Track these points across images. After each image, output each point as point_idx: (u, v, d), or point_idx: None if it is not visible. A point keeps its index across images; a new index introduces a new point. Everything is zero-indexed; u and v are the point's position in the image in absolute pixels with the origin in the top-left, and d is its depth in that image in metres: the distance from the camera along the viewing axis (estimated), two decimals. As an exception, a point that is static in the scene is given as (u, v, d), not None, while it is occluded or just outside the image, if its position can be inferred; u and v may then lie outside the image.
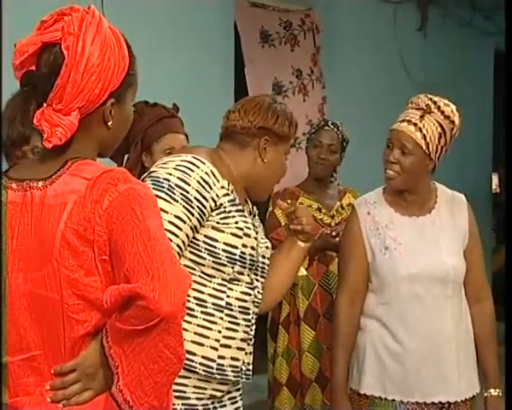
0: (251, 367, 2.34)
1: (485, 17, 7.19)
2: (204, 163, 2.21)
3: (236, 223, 2.23)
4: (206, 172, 2.20)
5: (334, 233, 3.73)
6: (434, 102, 2.72)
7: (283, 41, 5.65)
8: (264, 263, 2.36)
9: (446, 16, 6.93)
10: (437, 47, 6.85)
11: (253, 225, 2.31)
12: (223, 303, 2.24)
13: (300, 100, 5.68)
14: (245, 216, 2.28)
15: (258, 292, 2.33)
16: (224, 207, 2.22)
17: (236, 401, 2.36)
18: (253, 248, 2.28)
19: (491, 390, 2.83)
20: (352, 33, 6.14)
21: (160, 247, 1.57)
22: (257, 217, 2.46)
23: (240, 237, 2.23)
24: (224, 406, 2.31)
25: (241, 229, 2.24)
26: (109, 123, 1.70)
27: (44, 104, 1.63)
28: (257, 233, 2.32)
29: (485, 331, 2.86)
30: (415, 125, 2.70)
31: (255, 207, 2.48)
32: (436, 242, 2.78)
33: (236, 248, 2.23)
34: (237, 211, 2.25)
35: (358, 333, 2.85)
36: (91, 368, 1.62)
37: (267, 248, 2.39)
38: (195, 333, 2.20)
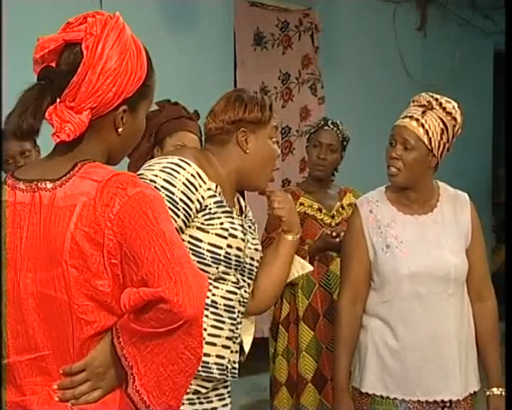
0: (237, 366, 2.34)
1: (484, 17, 7.19)
2: (190, 165, 2.21)
3: (221, 224, 2.24)
4: (191, 174, 2.20)
5: (334, 233, 3.73)
6: (436, 100, 2.74)
7: (276, 43, 5.67)
8: (252, 265, 2.36)
9: (446, 16, 6.94)
10: (436, 46, 6.86)
11: (242, 226, 2.32)
12: (208, 301, 2.23)
13: (278, 107, 5.70)
14: (232, 217, 2.28)
15: (245, 291, 2.33)
16: (210, 209, 2.22)
17: (224, 399, 2.36)
18: (239, 249, 2.28)
19: (494, 389, 2.83)
20: (351, 33, 6.14)
21: (177, 251, 1.59)
22: (250, 218, 2.44)
23: (225, 238, 2.23)
24: (211, 402, 2.30)
25: (227, 230, 2.24)
26: (119, 129, 1.71)
27: (58, 100, 1.65)
28: (245, 235, 2.32)
29: (488, 330, 2.86)
30: (417, 120, 2.72)
31: (248, 209, 2.47)
32: (438, 240, 2.79)
33: (221, 248, 2.23)
34: (224, 212, 2.25)
35: (360, 332, 2.85)
36: (101, 368, 1.63)
37: (256, 250, 2.39)
38: None
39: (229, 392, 2.38)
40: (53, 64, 1.68)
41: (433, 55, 6.82)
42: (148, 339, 1.58)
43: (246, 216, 2.42)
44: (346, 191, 4.01)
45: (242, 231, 2.30)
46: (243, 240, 2.29)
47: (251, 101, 2.35)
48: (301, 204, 3.94)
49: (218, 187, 2.26)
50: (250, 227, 2.40)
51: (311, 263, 3.85)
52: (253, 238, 2.39)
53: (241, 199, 2.48)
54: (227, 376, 2.30)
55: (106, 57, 1.64)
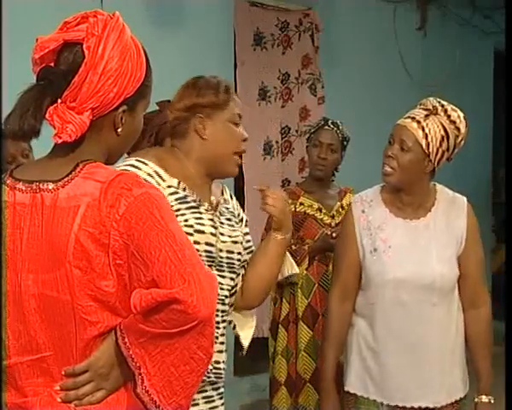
0: (221, 366, 2.30)
1: (485, 17, 7.18)
2: (147, 164, 2.20)
3: (186, 220, 2.20)
4: (148, 174, 2.19)
5: (334, 234, 3.74)
6: (442, 106, 2.70)
7: (276, 43, 5.67)
8: (231, 258, 2.31)
9: (446, 15, 6.93)
10: (437, 46, 6.85)
11: (212, 220, 2.28)
12: None
13: (278, 107, 5.70)
14: (200, 213, 2.24)
15: (222, 288, 2.28)
16: (171, 207, 2.19)
17: (213, 401, 2.31)
18: (208, 244, 2.24)
19: (483, 397, 2.79)
20: (351, 33, 6.14)
21: (188, 251, 1.59)
22: (231, 210, 2.40)
23: (190, 235, 2.19)
24: (197, 405, 2.24)
25: (191, 226, 2.21)
26: (119, 130, 1.71)
27: (59, 100, 1.64)
28: (216, 228, 2.27)
29: (480, 337, 2.81)
30: (418, 122, 2.68)
31: (229, 200, 2.42)
32: (427, 247, 2.74)
33: None
34: (188, 208, 2.22)
35: (349, 330, 2.85)
36: (104, 368, 1.63)
37: (236, 243, 2.33)
38: None
39: (220, 394, 2.34)
40: (51, 64, 1.67)
41: (433, 54, 6.81)
42: (158, 340, 1.58)
43: (226, 208, 2.38)
44: (347, 191, 4.02)
45: (213, 226, 2.27)
46: (214, 234, 2.26)
47: (205, 85, 2.32)
48: (301, 204, 3.95)
49: (182, 183, 2.23)
50: (230, 220, 2.36)
51: (311, 263, 3.87)
52: (233, 230, 2.35)
53: (226, 190, 2.45)
54: (209, 377, 2.26)
55: (107, 57, 1.63)
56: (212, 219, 2.28)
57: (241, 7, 5.40)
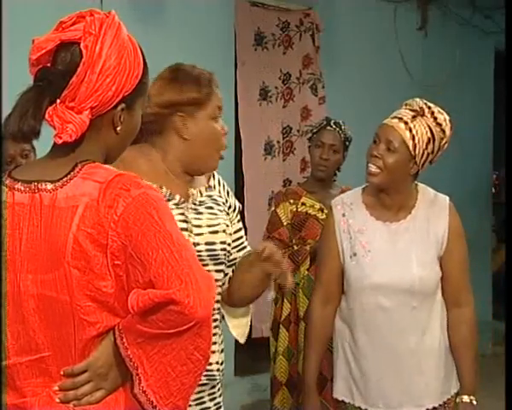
0: (213, 367, 2.23)
1: (485, 16, 7.18)
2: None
3: None
4: None
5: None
6: (429, 108, 2.67)
7: (277, 43, 5.67)
8: (213, 250, 2.21)
9: (446, 15, 6.93)
10: (437, 46, 6.85)
11: (183, 215, 2.19)
12: None
13: (279, 107, 5.70)
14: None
15: None
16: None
17: (208, 408, 2.27)
18: None
19: (464, 397, 2.76)
20: (352, 33, 6.14)
21: (185, 252, 1.60)
22: (214, 198, 2.31)
23: None
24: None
25: None
26: (118, 128, 1.71)
27: (57, 101, 1.64)
28: (187, 222, 2.19)
29: (462, 338, 2.77)
30: (405, 123, 2.65)
31: (216, 188, 2.33)
32: (407, 250, 2.72)
33: None
34: None
35: (334, 334, 2.85)
36: (103, 368, 1.63)
37: (215, 232, 2.23)
38: None
39: (217, 403, 2.29)
40: (48, 65, 1.67)
41: (433, 54, 6.81)
42: (155, 340, 1.58)
43: (209, 196, 2.29)
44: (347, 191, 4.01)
45: (184, 220, 2.19)
46: (185, 229, 2.17)
47: (186, 79, 2.19)
48: (303, 204, 3.95)
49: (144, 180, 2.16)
50: (211, 208, 2.27)
51: (313, 263, 3.86)
52: (215, 219, 2.26)
53: (215, 176, 2.36)
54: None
55: (105, 56, 1.64)
56: (182, 213, 2.20)
57: (241, 7, 5.40)
